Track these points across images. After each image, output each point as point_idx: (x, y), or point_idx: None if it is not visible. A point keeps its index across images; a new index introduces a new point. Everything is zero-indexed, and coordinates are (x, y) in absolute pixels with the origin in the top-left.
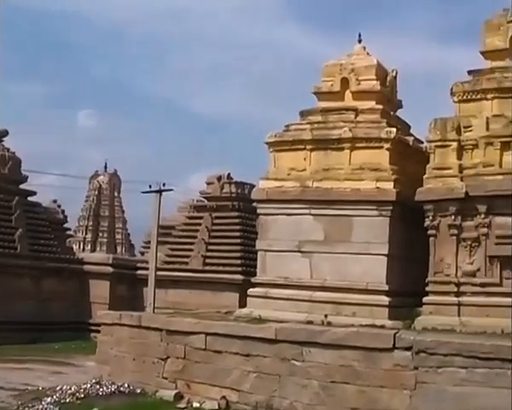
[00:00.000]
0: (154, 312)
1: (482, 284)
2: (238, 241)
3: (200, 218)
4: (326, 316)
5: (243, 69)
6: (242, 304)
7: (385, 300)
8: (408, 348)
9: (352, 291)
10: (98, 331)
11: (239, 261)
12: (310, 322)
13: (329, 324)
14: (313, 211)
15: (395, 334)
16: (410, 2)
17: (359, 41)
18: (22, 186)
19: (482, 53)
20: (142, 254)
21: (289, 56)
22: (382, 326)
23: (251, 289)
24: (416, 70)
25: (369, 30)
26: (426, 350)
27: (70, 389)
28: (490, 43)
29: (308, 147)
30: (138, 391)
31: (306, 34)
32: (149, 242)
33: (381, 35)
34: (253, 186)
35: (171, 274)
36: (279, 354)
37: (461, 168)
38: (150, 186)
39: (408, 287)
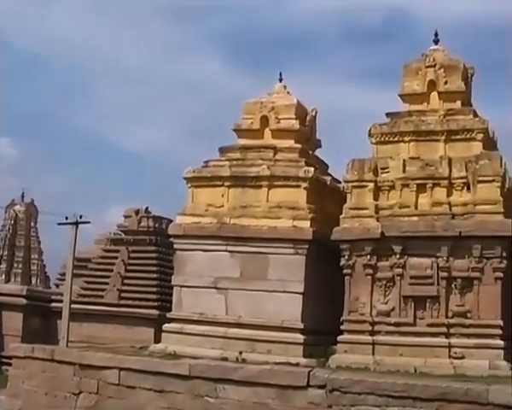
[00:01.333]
0: (67, 345)
1: (396, 324)
2: (154, 275)
3: (117, 251)
4: (241, 353)
5: (166, 104)
6: (158, 339)
7: (300, 338)
8: (322, 387)
9: (267, 329)
10: (10, 364)
11: (155, 296)
12: (224, 359)
13: (244, 361)
14: (230, 248)
15: (309, 372)
16: (332, 43)
17: (280, 80)
18: None
19: (400, 96)
20: (57, 286)
21: (214, 93)
22: (297, 364)
23: (166, 325)
24: (337, 110)
25: (292, 70)
26: (340, 389)
27: None
28: (408, 87)
29: (226, 183)
30: None
31: (232, 72)
32: (65, 274)
33: (304, 75)
34: (170, 221)
35: (86, 307)
36: (193, 390)
37: (377, 209)
38: (67, 218)
39: (323, 325)
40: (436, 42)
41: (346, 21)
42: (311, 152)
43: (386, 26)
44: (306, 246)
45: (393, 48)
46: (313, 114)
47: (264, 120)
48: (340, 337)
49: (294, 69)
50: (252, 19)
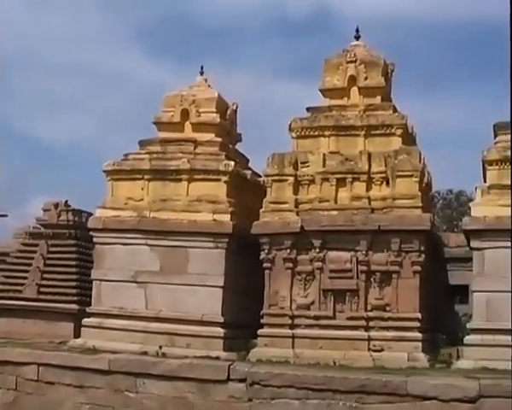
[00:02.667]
0: None
1: (316, 317)
2: (74, 270)
3: (36, 245)
4: (161, 347)
5: (89, 97)
6: (77, 334)
7: (220, 331)
8: (242, 380)
9: (187, 323)
10: None
11: (74, 291)
12: (144, 353)
13: (164, 355)
14: (149, 241)
15: (229, 365)
16: (258, 37)
17: (201, 73)
18: None
19: (321, 91)
20: None
21: (138, 86)
22: (217, 358)
23: (85, 319)
24: (261, 104)
25: (217, 63)
26: (260, 382)
27: None
28: (329, 82)
29: (146, 177)
30: None
31: (156, 64)
32: None
33: (228, 68)
34: (90, 214)
35: (4, 303)
36: (113, 385)
37: (297, 203)
38: None
39: (244, 319)
40: (357, 38)
41: (272, 15)
42: (231, 146)
43: (311, 20)
44: (226, 240)
45: (317, 42)
46: (234, 107)
47: (185, 114)
48: (260, 331)
49: (219, 62)
50: (179, 10)
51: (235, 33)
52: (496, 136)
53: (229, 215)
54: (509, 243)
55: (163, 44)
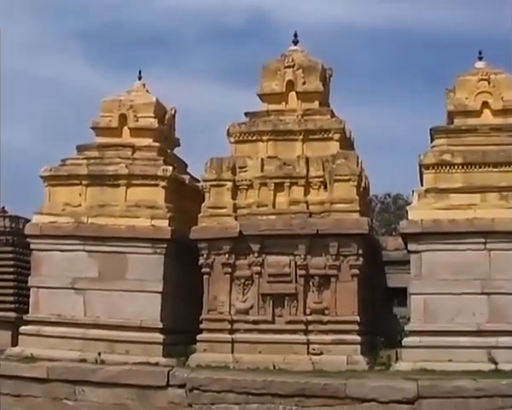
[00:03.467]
0: None
1: (255, 322)
2: (11, 277)
3: None
4: (99, 354)
5: (28, 104)
6: (15, 342)
7: (159, 337)
8: (182, 386)
9: (126, 329)
10: None
11: (12, 298)
12: (83, 360)
13: (103, 362)
14: (87, 247)
15: (169, 371)
16: (196, 42)
17: (139, 78)
18: None
19: (260, 95)
20: None
21: (77, 93)
22: (156, 364)
23: (23, 327)
24: (199, 109)
25: (155, 68)
26: (199, 387)
27: None
28: (267, 87)
29: (84, 182)
30: None
31: (96, 71)
32: None
33: (167, 74)
34: (28, 221)
35: None
36: (51, 393)
37: (235, 208)
38: None
39: (183, 324)
40: (295, 43)
41: (210, 20)
42: (169, 151)
43: (249, 26)
44: (165, 245)
45: (255, 48)
46: (172, 112)
47: (123, 119)
48: (199, 336)
49: (158, 68)
50: (116, 17)
51: (175, 39)
52: (432, 140)
53: (167, 221)
54: (446, 246)
55: (102, 50)
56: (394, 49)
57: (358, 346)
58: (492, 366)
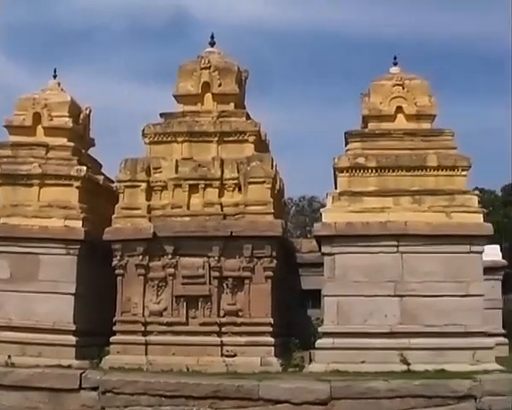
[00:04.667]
0: None
1: (169, 324)
2: None
3: None
4: (10, 357)
5: None
6: None
7: (72, 339)
8: (94, 388)
9: (38, 331)
10: None
11: None
12: None
13: (13, 365)
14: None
15: (81, 374)
16: (117, 40)
17: (54, 76)
18: None
19: (175, 96)
20: None
21: None
22: (69, 366)
23: None
24: (118, 109)
25: (74, 66)
26: (112, 390)
27: None
28: (183, 88)
29: None
30: None
31: (13, 67)
32: None
33: (86, 72)
34: None
35: None
36: None
37: (149, 209)
38: None
39: (96, 326)
40: (212, 44)
41: (132, 18)
42: (84, 151)
43: (170, 25)
44: (78, 246)
45: (175, 48)
46: (87, 112)
47: (37, 117)
48: (112, 338)
49: (77, 66)
50: (37, 13)
51: (95, 38)
52: (347, 143)
53: (80, 221)
54: (359, 249)
55: (21, 47)
56: (316, 50)
57: (272, 348)
58: (405, 367)
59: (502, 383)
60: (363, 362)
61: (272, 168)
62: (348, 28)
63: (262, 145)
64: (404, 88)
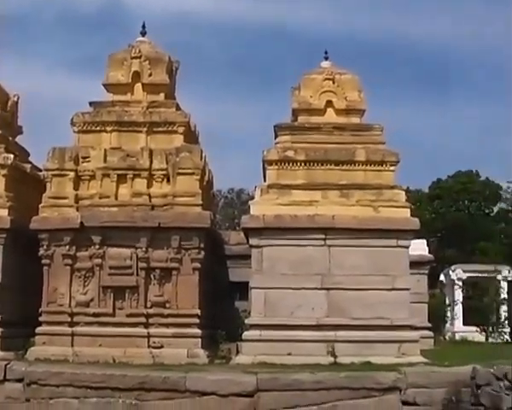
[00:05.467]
0: None
1: (95, 314)
2: None
3: None
4: None
5: None
6: None
7: None
8: (19, 380)
9: None
10: None
11: None
12: None
13: None
14: None
15: (6, 365)
16: (47, 28)
17: None
18: None
19: (105, 85)
20: None
21: None
22: None
23: None
24: (47, 97)
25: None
26: (37, 381)
27: None
28: (113, 77)
29: None
30: None
31: None
32: None
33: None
34: None
35: None
36: None
37: (77, 198)
38: None
39: (22, 317)
40: (143, 34)
41: (63, 5)
42: (11, 138)
43: (101, 14)
44: (4, 235)
45: (106, 36)
46: (15, 99)
47: None
48: (38, 329)
49: (5, 52)
50: None
51: (26, 24)
52: (276, 136)
53: (6, 210)
54: (287, 241)
55: None
56: (248, 43)
57: (199, 339)
58: (331, 360)
59: (426, 375)
60: (289, 354)
61: (201, 160)
62: (281, 22)
63: (191, 136)
64: (334, 82)
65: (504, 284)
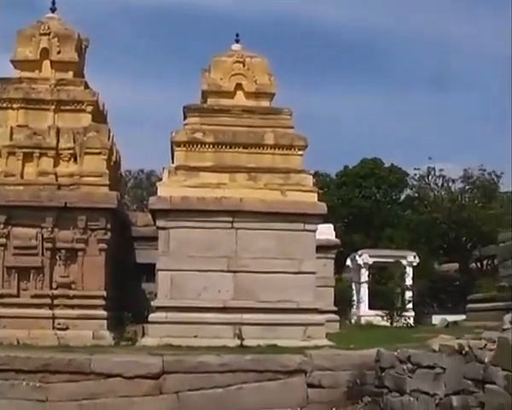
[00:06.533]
0: None
1: None
2: None
3: None
4: None
5: None
6: None
7: None
8: None
9: None
10: None
11: None
12: None
13: None
14: None
15: None
16: None
17: None
18: None
19: (13, 62)
20: None
21: None
22: None
23: None
24: None
25: None
26: None
27: None
28: (21, 53)
29: None
30: None
31: None
32: None
33: None
34: None
35: None
36: None
37: None
38: None
39: None
40: (53, 10)
41: None
42: None
43: None
44: None
45: (17, 13)
46: None
47: None
48: None
49: None
50: None
51: None
52: (186, 118)
53: None
54: (195, 224)
55: None
56: (160, 24)
57: (105, 321)
58: (238, 342)
59: (331, 358)
60: (196, 337)
61: (109, 140)
62: (195, 4)
63: (100, 116)
64: (244, 65)
65: (409, 270)
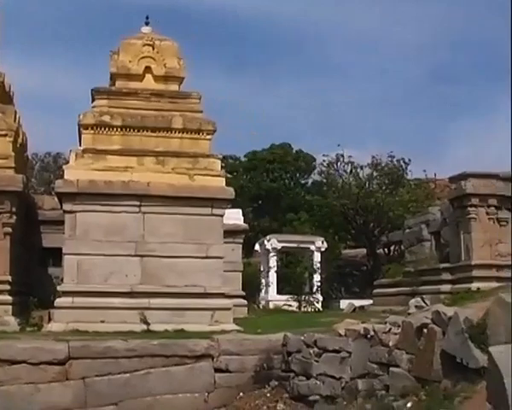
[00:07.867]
0: None
1: None
2: None
3: None
4: None
5: None
6: None
7: None
8: None
9: None
10: None
11: None
12: None
13: None
14: None
15: None
16: None
17: None
18: None
19: None
20: None
21: None
22: None
23: None
24: None
25: None
26: None
27: None
28: None
29: None
30: None
31: None
32: None
33: None
34: None
35: None
36: None
37: None
38: None
39: None
40: None
41: None
42: None
43: None
44: None
45: None
46: None
47: None
48: None
49: None
50: None
51: None
52: (93, 100)
53: None
54: (102, 207)
55: None
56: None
57: (10, 306)
58: (145, 327)
59: (238, 343)
60: (103, 322)
61: (15, 121)
62: None
63: (5, 97)
64: (154, 48)
65: (317, 255)
